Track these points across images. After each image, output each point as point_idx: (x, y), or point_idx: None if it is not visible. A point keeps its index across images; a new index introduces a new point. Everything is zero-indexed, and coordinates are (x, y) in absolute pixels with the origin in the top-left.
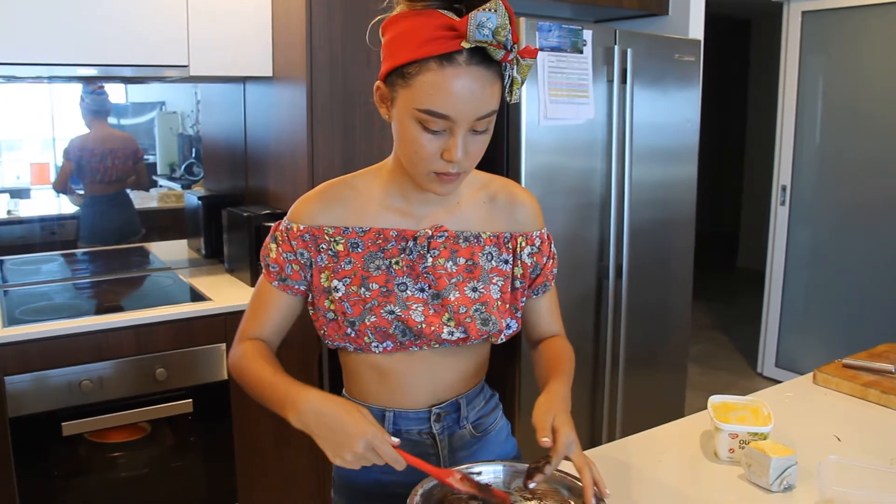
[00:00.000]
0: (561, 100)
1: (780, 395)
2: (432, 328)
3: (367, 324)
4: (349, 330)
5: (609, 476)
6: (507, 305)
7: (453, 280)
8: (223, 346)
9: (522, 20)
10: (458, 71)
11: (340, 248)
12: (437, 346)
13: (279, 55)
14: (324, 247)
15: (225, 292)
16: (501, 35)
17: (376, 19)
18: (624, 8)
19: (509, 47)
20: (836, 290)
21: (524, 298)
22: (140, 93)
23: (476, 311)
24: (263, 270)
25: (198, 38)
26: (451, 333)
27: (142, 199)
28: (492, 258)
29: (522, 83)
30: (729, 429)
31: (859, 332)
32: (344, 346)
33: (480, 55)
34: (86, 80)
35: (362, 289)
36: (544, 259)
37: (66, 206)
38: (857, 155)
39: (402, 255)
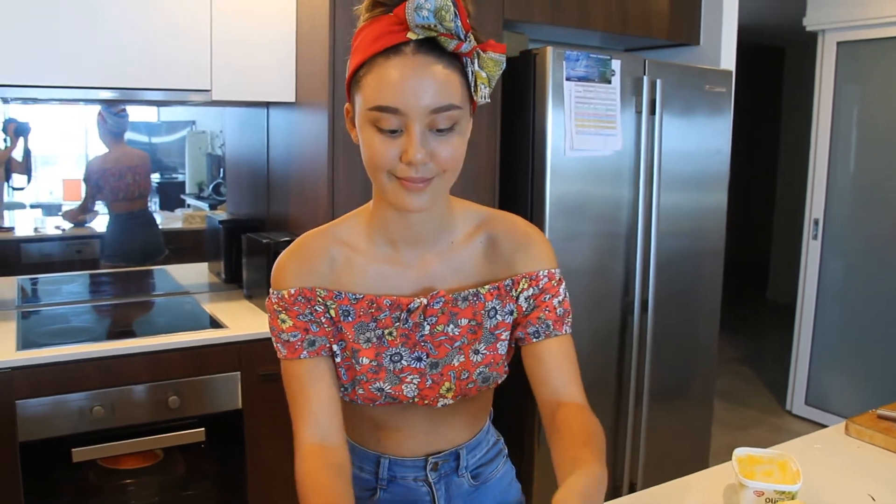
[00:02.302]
0: (588, 130)
1: (810, 447)
2: (426, 402)
3: (358, 393)
4: (340, 392)
5: None
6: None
7: (456, 344)
8: (238, 374)
9: (550, 49)
10: (403, 61)
11: (333, 313)
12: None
13: (302, 81)
14: (319, 309)
15: (242, 320)
16: (447, 20)
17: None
18: (654, 38)
19: (462, 36)
20: (869, 326)
21: (516, 343)
22: (171, 111)
23: (479, 374)
24: (284, 353)
25: (221, 62)
26: (448, 402)
27: (167, 220)
28: (495, 313)
29: (491, 81)
30: (754, 486)
31: (894, 370)
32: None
33: (431, 46)
34: (108, 102)
35: (352, 360)
36: (546, 297)
37: (99, 225)
38: (893, 186)
39: (397, 325)
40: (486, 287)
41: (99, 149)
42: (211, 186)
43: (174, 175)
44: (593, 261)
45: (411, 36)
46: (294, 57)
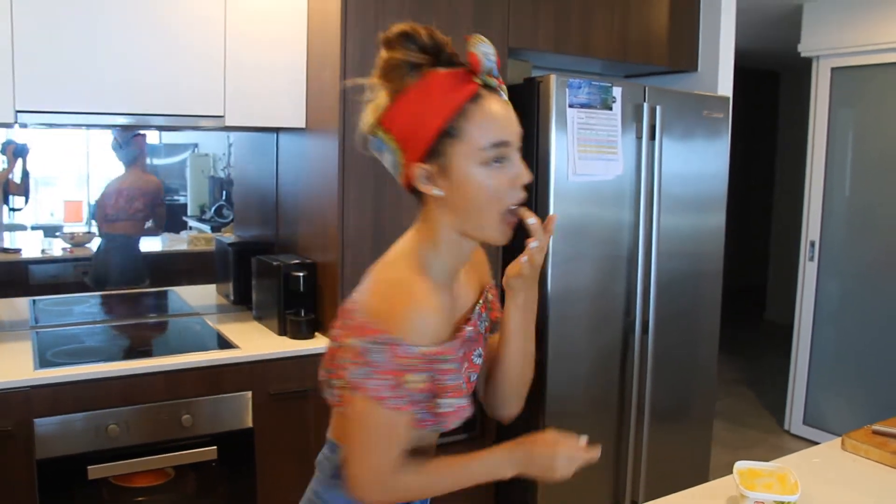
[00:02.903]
0: (590, 156)
1: (807, 461)
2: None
3: (452, 425)
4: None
5: None
6: None
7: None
8: (249, 393)
9: (553, 77)
10: (492, 100)
11: (445, 366)
12: None
13: (312, 107)
14: (440, 367)
15: (253, 340)
16: (493, 62)
17: (367, 128)
18: (653, 65)
19: (497, 74)
20: (866, 347)
21: None
22: (173, 134)
23: (480, 371)
24: (390, 403)
25: (234, 89)
26: None
27: (171, 242)
28: (482, 319)
29: None
30: (755, 496)
31: (890, 390)
32: None
33: (488, 87)
34: (124, 127)
35: (462, 399)
36: (493, 299)
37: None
38: (888, 210)
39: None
40: (479, 302)
41: (110, 170)
42: (213, 209)
43: (175, 197)
44: (595, 282)
45: (478, 81)
46: (305, 84)
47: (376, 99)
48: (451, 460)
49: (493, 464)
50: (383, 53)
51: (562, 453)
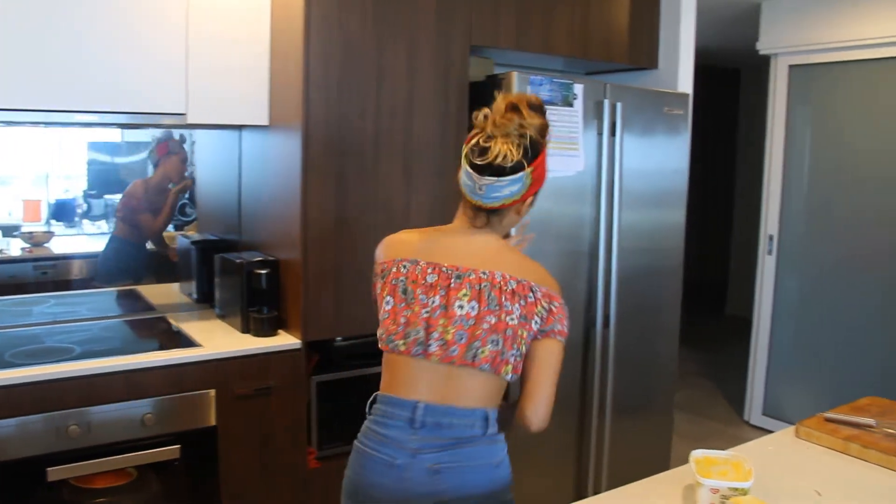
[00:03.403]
0: (551, 152)
1: (762, 449)
2: None
3: None
4: None
5: None
6: None
7: None
8: (212, 392)
9: (515, 74)
10: None
11: None
12: None
13: (276, 104)
14: None
15: (216, 339)
16: None
17: (520, 164)
18: (614, 62)
19: None
20: (822, 340)
21: None
22: (135, 132)
23: None
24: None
25: (196, 87)
26: None
27: None
28: None
29: None
30: (710, 483)
31: (846, 381)
32: None
33: None
34: (84, 126)
35: None
36: None
37: (58, 246)
38: (845, 205)
39: None
40: None
41: (79, 167)
42: (176, 207)
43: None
44: (557, 277)
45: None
46: (268, 81)
47: (516, 142)
48: None
49: None
50: (543, 119)
51: None
